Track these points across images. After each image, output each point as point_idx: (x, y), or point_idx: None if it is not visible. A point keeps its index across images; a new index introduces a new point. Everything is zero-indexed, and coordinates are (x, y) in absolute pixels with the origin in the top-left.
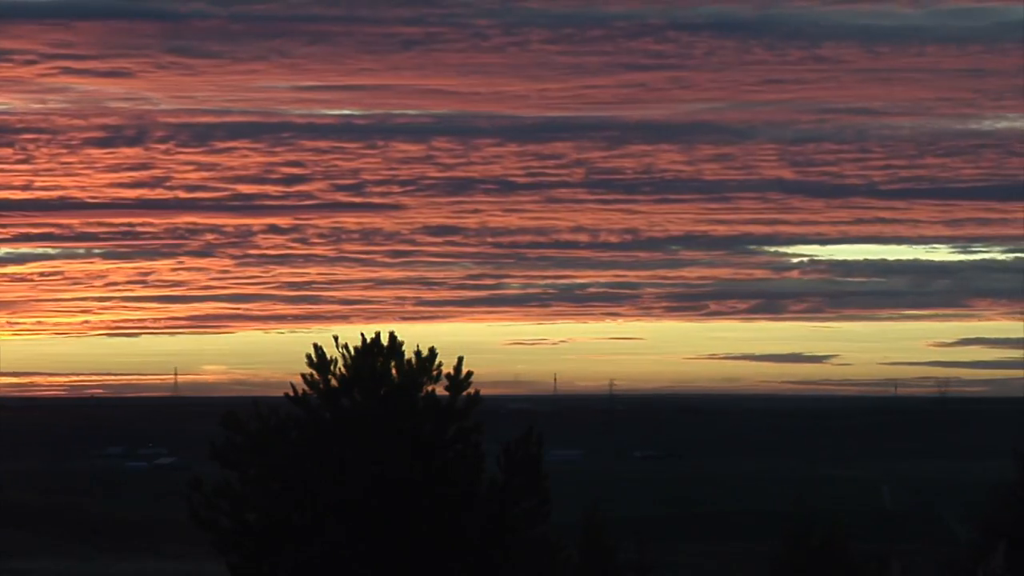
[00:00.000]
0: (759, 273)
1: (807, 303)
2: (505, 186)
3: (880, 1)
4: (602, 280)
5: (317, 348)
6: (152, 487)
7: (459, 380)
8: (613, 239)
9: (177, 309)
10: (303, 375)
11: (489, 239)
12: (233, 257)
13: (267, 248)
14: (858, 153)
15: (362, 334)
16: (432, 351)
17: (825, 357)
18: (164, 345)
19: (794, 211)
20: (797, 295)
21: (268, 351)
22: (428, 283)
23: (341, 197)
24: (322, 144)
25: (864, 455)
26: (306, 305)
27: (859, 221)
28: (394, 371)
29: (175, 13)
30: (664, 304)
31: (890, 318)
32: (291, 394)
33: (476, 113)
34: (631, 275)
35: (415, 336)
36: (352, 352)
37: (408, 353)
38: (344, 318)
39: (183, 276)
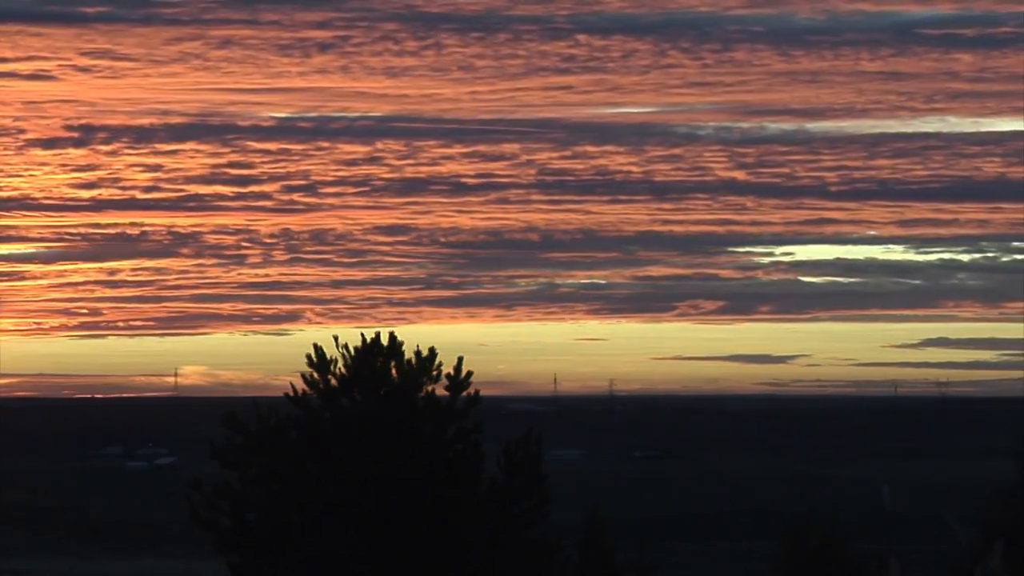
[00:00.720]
0: (722, 273)
1: (770, 304)
2: (456, 187)
3: (783, 4)
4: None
5: (317, 348)
6: (152, 487)
7: (459, 380)
8: (566, 239)
9: (146, 309)
10: (303, 375)
11: (441, 239)
12: (188, 257)
13: (223, 248)
14: (808, 154)
15: (362, 334)
16: (432, 351)
17: (791, 357)
18: (129, 346)
19: (747, 211)
20: (760, 296)
21: (242, 352)
22: (385, 283)
23: (294, 197)
24: (270, 146)
25: (864, 455)
26: (266, 305)
27: (815, 221)
28: (394, 371)
29: (83, 16)
30: (625, 305)
31: (855, 319)
32: (291, 394)
33: (417, 115)
34: (593, 275)
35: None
36: (352, 352)
37: (408, 353)
38: (295, 318)
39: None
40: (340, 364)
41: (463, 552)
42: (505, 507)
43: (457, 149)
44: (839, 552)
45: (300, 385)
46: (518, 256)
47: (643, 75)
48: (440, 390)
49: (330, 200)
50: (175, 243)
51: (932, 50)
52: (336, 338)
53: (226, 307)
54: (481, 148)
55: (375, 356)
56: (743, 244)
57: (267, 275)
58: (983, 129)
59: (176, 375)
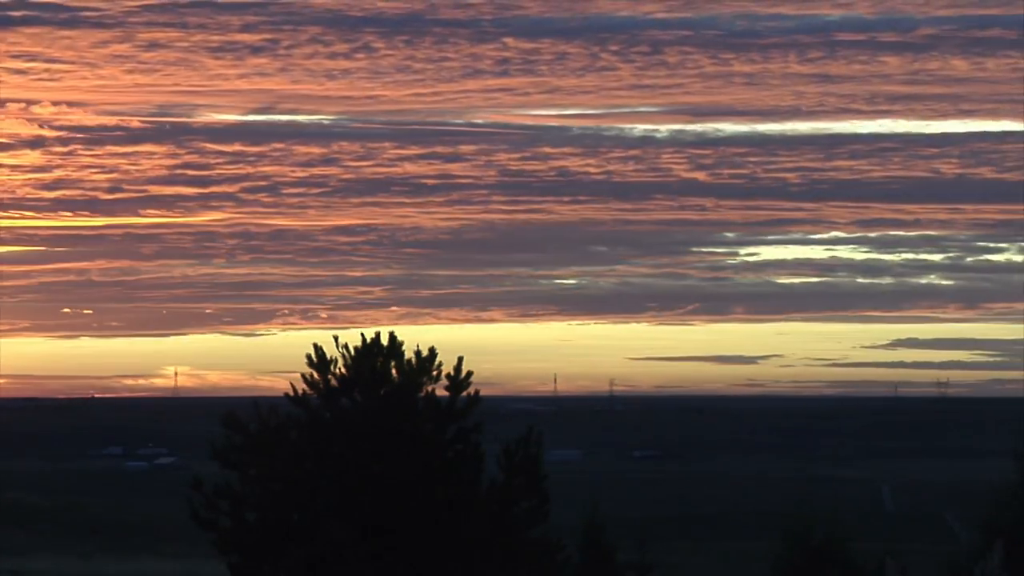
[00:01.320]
0: (690, 273)
1: (742, 304)
2: (415, 188)
3: (703, 6)
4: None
5: (317, 348)
6: (152, 487)
7: (459, 380)
8: (525, 241)
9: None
10: (303, 375)
11: (402, 239)
12: (149, 259)
13: (189, 249)
14: (767, 156)
15: (362, 334)
16: (432, 351)
17: (763, 357)
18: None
19: (706, 211)
20: (731, 296)
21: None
22: (350, 283)
23: (255, 198)
24: (225, 148)
25: (864, 455)
26: (228, 304)
27: (777, 222)
28: (394, 371)
29: (7, 19)
30: (594, 305)
31: (829, 319)
32: (291, 394)
33: (369, 116)
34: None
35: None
36: (352, 352)
37: (408, 353)
38: (268, 319)
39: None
40: (340, 364)
41: (463, 552)
42: (505, 507)
43: (413, 150)
44: (839, 552)
45: (300, 385)
46: (483, 258)
47: (580, 78)
48: (440, 390)
49: (290, 200)
50: (137, 243)
51: (860, 52)
52: (336, 338)
53: (204, 307)
54: (438, 149)
55: (375, 356)
56: (708, 244)
57: (235, 275)
58: (939, 131)
59: (176, 375)
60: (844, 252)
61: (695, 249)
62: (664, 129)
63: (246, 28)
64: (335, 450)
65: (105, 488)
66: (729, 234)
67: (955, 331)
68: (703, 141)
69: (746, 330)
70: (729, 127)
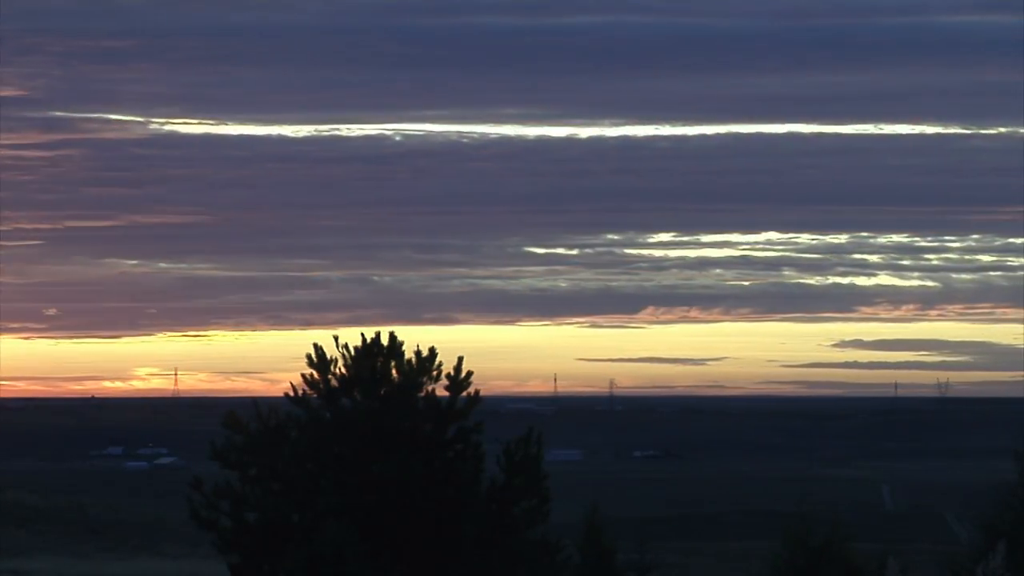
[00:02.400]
0: (632, 275)
1: (687, 305)
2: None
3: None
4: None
5: (317, 348)
6: (152, 487)
7: (459, 380)
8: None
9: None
10: (303, 375)
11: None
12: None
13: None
14: (694, 158)
15: (362, 334)
16: (432, 351)
17: (710, 359)
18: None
19: (636, 213)
20: (677, 298)
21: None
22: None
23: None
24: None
25: (864, 455)
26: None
27: (715, 223)
28: (394, 371)
29: None
30: (543, 309)
31: (769, 319)
32: (291, 394)
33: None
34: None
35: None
36: (352, 352)
37: (408, 353)
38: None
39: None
40: (340, 364)
41: (463, 552)
42: (505, 507)
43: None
44: (839, 552)
45: (300, 385)
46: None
47: (471, 88)
48: (440, 390)
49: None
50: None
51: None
52: (336, 338)
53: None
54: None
55: (375, 356)
56: (646, 248)
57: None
58: (876, 132)
59: (176, 374)
60: (790, 253)
61: (630, 252)
62: (584, 133)
63: (118, 35)
64: (335, 450)
65: (105, 488)
66: (665, 235)
67: (903, 332)
68: (628, 146)
69: (691, 331)
70: (647, 128)
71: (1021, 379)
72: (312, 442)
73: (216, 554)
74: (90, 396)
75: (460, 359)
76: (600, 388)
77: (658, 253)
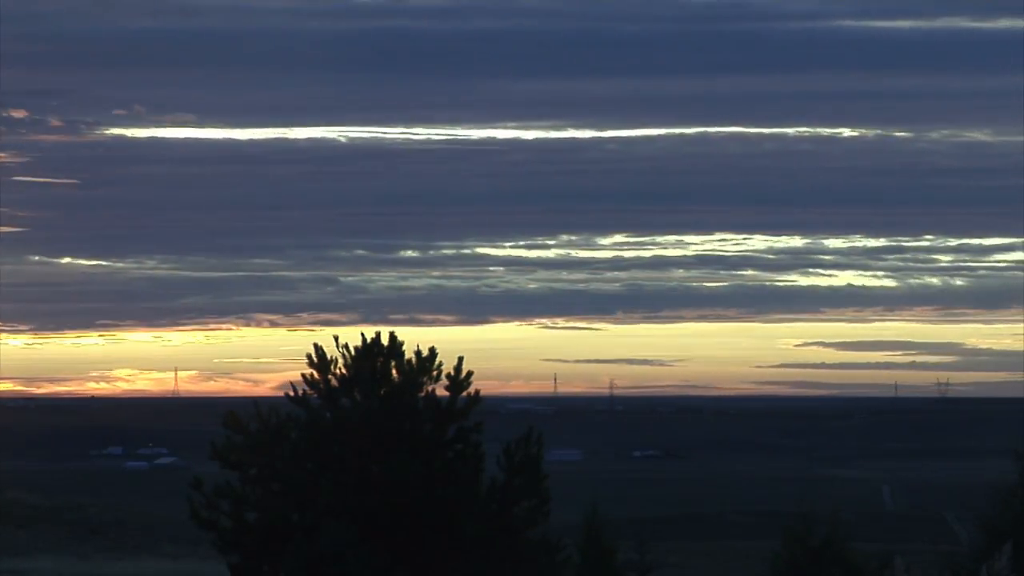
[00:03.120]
0: (585, 276)
1: (643, 306)
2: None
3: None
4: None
5: (317, 348)
6: (152, 487)
7: (459, 380)
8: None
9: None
10: (303, 375)
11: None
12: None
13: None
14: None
15: (362, 334)
16: (432, 351)
17: (671, 360)
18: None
19: (584, 215)
20: (633, 298)
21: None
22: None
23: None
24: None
25: (864, 455)
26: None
27: (676, 224)
28: (394, 371)
29: None
30: (503, 311)
31: (726, 319)
32: (291, 394)
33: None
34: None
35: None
36: (352, 352)
37: (408, 353)
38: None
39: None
40: (340, 364)
41: (463, 552)
42: (505, 507)
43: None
44: (839, 552)
45: (301, 385)
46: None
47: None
48: (440, 390)
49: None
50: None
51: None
52: (336, 338)
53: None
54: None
55: (375, 356)
56: (598, 249)
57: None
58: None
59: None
60: (749, 254)
61: (577, 254)
62: (525, 137)
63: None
64: (335, 450)
65: (105, 488)
66: (619, 237)
67: (862, 332)
68: (577, 148)
69: (647, 331)
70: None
71: (1015, 380)
72: (312, 442)
73: (216, 554)
74: (90, 396)
75: (460, 359)
76: (600, 388)
77: (613, 254)
